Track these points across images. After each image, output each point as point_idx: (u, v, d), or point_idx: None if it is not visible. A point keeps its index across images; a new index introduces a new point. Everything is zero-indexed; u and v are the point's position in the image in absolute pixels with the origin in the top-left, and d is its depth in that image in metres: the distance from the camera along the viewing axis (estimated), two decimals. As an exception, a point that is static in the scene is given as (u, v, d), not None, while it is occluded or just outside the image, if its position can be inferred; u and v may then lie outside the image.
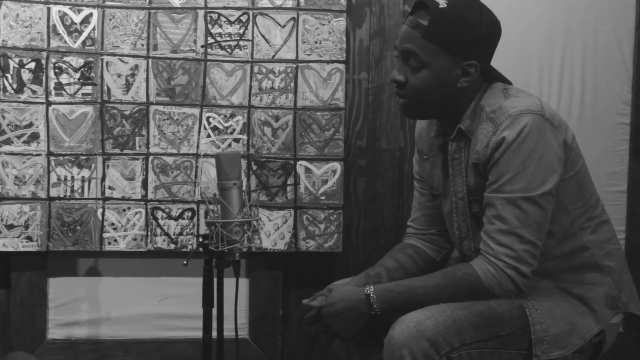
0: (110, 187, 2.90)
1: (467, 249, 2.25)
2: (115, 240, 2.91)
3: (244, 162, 2.90)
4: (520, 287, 2.06)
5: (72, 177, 2.88)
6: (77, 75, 2.87)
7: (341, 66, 2.95)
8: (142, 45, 2.89)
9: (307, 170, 2.96)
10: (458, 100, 2.15)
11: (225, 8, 2.91)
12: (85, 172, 2.89)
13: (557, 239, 2.15)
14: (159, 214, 2.92)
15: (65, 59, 2.86)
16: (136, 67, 2.89)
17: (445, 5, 2.07)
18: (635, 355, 3.12)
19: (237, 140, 2.94)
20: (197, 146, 2.93)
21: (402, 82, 2.12)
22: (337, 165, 2.97)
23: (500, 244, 2.04)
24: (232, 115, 2.93)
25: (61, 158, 2.87)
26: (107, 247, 2.92)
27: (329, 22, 2.93)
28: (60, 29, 2.85)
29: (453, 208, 2.24)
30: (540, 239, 2.06)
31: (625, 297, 2.23)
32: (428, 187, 2.38)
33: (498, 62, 2.21)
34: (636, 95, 3.13)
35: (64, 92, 2.86)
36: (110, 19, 2.87)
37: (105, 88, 2.88)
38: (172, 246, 2.94)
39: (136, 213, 2.92)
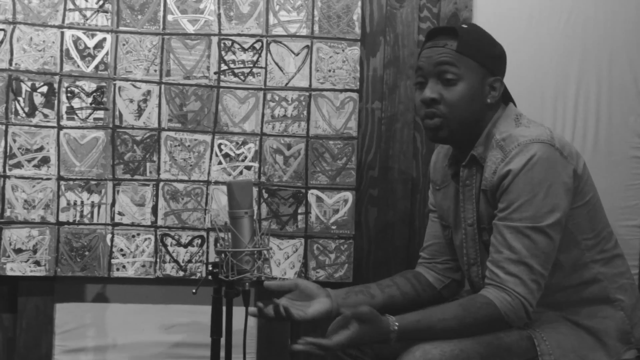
0: (119, 213, 2.89)
1: (474, 275, 2.25)
2: (124, 267, 2.89)
3: (255, 190, 2.88)
4: (531, 316, 2.04)
5: (82, 202, 2.87)
6: (89, 99, 2.86)
7: (354, 95, 2.94)
8: (155, 70, 2.88)
9: (319, 199, 2.94)
10: (483, 119, 2.17)
11: (239, 35, 2.90)
12: (95, 197, 2.87)
13: (567, 270, 2.14)
14: (169, 240, 2.90)
15: (77, 83, 2.85)
16: (149, 92, 2.88)
17: (466, 26, 2.17)
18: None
19: (248, 168, 2.92)
20: (208, 173, 2.92)
21: (437, 100, 2.12)
22: (349, 195, 2.95)
23: (509, 273, 2.02)
24: (244, 143, 2.92)
25: (71, 182, 2.86)
26: (116, 273, 2.90)
27: (343, 50, 2.92)
28: (74, 53, 2.85)
29: (462, 235, 2.23)
30: (547, 269, 2.05)
31: (639, 333, 2.21)
32: (438, 218, 2.39)
33: (513, 94, 2.21)
34: (651, 129, 3.11)
35: (75, 117, 2.86)
36: (124, 44, 2.86)
37: (117, 113, 2.87)
38: (181, 273, 2.91)
39: (145, 239, 2.90)
